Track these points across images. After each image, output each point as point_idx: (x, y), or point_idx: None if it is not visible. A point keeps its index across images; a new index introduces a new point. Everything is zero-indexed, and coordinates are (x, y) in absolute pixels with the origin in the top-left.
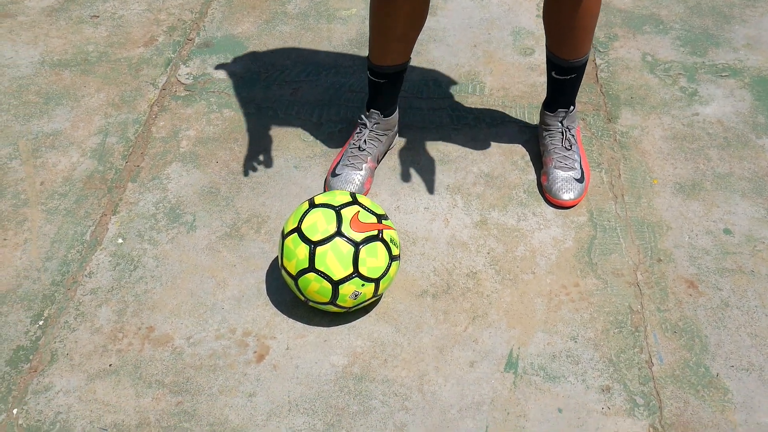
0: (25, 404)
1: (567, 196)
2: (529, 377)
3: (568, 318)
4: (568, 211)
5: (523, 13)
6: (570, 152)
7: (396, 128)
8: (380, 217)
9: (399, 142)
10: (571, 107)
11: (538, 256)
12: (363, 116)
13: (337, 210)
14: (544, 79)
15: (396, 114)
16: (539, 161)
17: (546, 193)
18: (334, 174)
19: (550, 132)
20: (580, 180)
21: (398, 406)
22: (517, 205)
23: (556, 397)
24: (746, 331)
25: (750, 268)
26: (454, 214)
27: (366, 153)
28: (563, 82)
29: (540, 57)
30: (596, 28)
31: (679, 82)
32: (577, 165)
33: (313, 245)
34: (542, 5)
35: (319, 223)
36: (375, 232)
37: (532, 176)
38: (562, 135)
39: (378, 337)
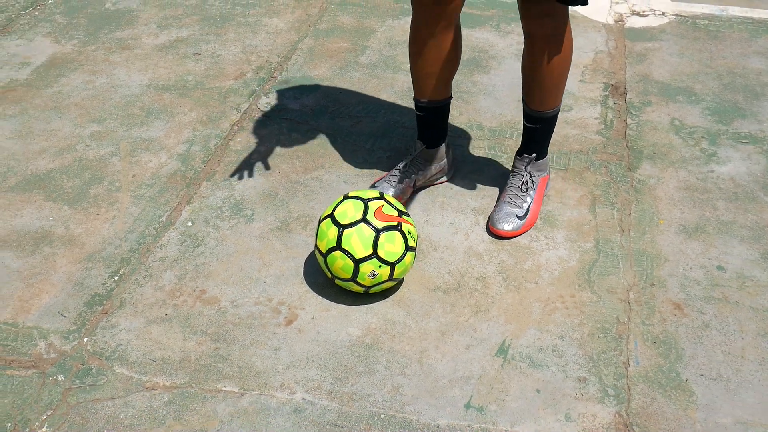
0: (94, 336)
1: (503, 227)
2: (516, 362)
3: (559, 321)
4: (576, 236)
5: (568, 77)
6: (523, 194)
7: (442, 164)
8: (401, 213)
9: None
10: (537, 155)
11: (543, 270)
12: (412, 146)
13: (366, 202)
14: (576, 131)
15: (440, 150)
16: (559, 196)
17: (488, 223)
18: (372, 186)
19: (514, 174)
20: (522, 217)
21: (398, 372)
22: (532, 229)
23: (536, 380)
24: (721, 349)
25: (735, 299)
26: (474, 230)
27: (404, 175)
28: (533, 131)
29: (577, 114)
30: (632, 93)
31: (700, 144)
32: (525, 206)
33: (341, 228)
34: (583, 70)
35: (349, 211)
36: (395, 223)
37: (551, 207)
38: (522, 178)
39: (391, 318)
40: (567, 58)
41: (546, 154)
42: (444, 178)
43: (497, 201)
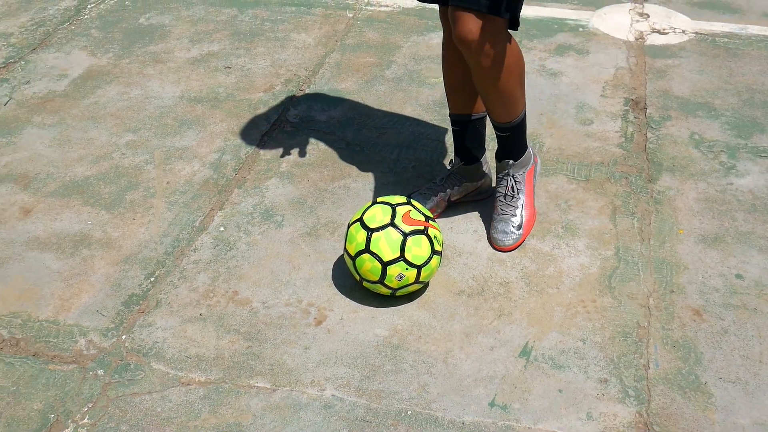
0: (132, 333)
1: (500, 243)
2: (539, 364)
3: (581, 325)
4: (597, 244)
5: (588, 93)
6: (510, 203)
7: (481, 182)
8: (428, 218)
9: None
10: (513, 161)
11: (565, 277)
12: (450, 161)
13: (393, 207)
14: (598, 144)
15: (478, 166)
16: (580, 206)
17: (489, 239)
18: (408, 197)
19: (499, 178)
20: (518, 227)
21: (424, 371)
22: (554, 237)
23: (558, 381)
24: (739, 353)
25: (753, 306)
26: None
27: (439, 188)
28: (502, 138)
29: (598, 127)
30: (652, 108)
31: (719, 158)
32: (517, 213)
33: (370, 231)
34: (604, 86)
35: (377, 215)
36: (422, 228)
37: (572, 217)
38: (507, 181)
39: (417, 320)
40: (510, 73)
41: (524, 149)
42: (481, 196)
43: (492, 214)
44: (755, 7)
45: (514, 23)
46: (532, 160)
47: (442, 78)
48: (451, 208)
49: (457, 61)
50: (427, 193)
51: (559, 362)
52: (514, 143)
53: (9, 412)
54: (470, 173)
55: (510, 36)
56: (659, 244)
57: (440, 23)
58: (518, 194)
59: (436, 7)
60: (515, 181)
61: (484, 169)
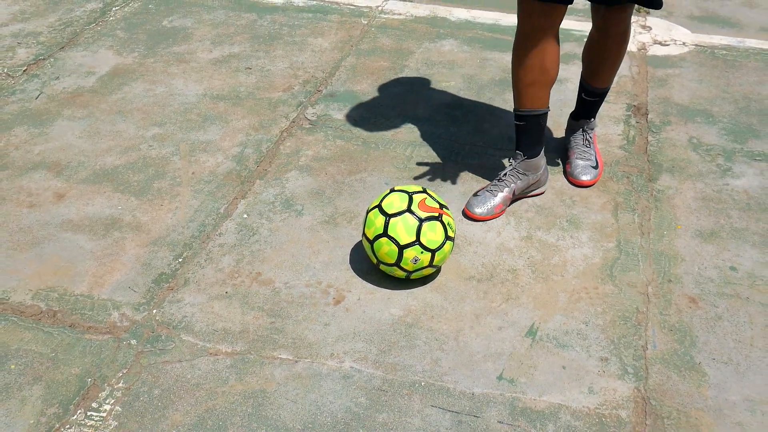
0: (162, 308)
1: (585, 177)
2: (544, 343)
3: (584, 309)
4: (599, 237)
5: None
6: (588, 149)
7: (540, 173)
8: (442, 206)
9: (480, 180)
10: (592, 120)
11: (569, 265)
12: (512, 157)
13: (410, 195)
14: (601, 145)
15: (539, 159)
16: (584, 202)
17: (569, 177)
18: (475, 194)
19: (574, 134)
20: (595, 167)
21: (436, 347)
22: (558, 229)
23: (562, 358)
24: (732, 338)
25: (746, 295)
26: (506, 229)
27: (504, 184)
28: (591, 103)
29: (601, 130)
30: (653, 114)
31: (716, 160)
32: (593, 157)
33: (388, 217)
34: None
35: (395, 202)
36: (436, 215)
37: (576, 211)
38: (583, 135)
39: (429, 301)
40: (627, 44)
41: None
42: (540, 189)
43: (566, 157)
44: (753, 22)
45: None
46: (595, 128)
47: (453, 82)
48: (461, 201)
49: (536, 57)
50: (494, 189)
51: (562, 342)
52: (596, 106)
53: (49, 376)
54: (532, 166)
55: None
56: (658, 238)
57: (451, 32)
58: (592, 145)
59: (449, 15)
60: (589, 136)
61: (542, 161)
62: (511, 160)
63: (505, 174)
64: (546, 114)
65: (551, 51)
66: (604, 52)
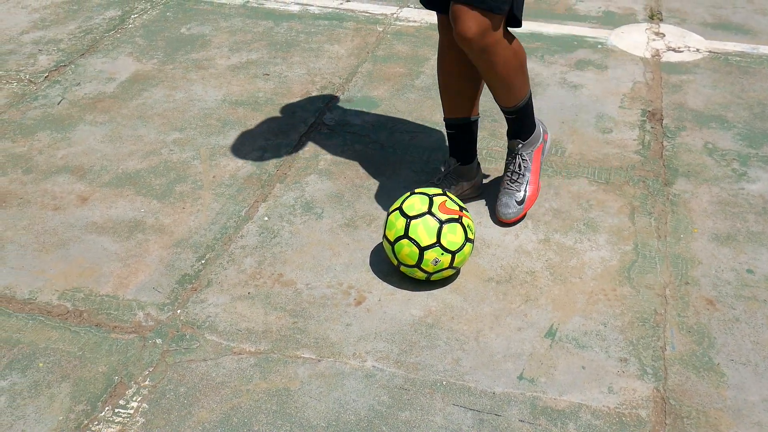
0: (187, 308)
1: (506, 216)
2: (563, 344)
3: (602, 310)
4: (616, 240)
5: (607, 104)
6: (519, 177)
7: (476, 180)
8: (462, 209)
9: (488, 181)
10: (522, 141)
11: (587, 268)
12: (445, 162)
13: (431, 197)
14: (616, 151)
15: (473, 165)
16: (600, 206)
17: (493, 212)
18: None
19: (509, 154)
20: (520, 202)
21: (457, 347)
22: (576, 232)
23: (581, 359)
24: (750, 339)
25: (764, 298)
26: (524, 232)
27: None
28: (510, 120)
29: (617, 135)
30: (668, 119)
31: (732, 165)
32: (521, 188)
33: (409, 219)
34: (622, 98)
35: (416, 204)
36: (456, 217)
37: (593, 215)
38: (515, 159)
39: (450, 302)
40: (509, 65)
41: (533, 129)
42: (474, 194)
43: (499, 187)
44: (766, 29)
45: (516, 21)
46: (541, 138)
47: None
48: (478, 205)
49: (453, 67)
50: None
51: (582, 343)
52: (521, 124)
53: (76, 374)
54: (466, 172)
55: (507, 31)
56: (675, 241)
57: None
58: (524, 171)
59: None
60: (522, 159)
61: (476, 168)
62: (443, 167)
63: (439, 179)
64: (477, 122)
65: (448, 60)
66: (477, 68)
